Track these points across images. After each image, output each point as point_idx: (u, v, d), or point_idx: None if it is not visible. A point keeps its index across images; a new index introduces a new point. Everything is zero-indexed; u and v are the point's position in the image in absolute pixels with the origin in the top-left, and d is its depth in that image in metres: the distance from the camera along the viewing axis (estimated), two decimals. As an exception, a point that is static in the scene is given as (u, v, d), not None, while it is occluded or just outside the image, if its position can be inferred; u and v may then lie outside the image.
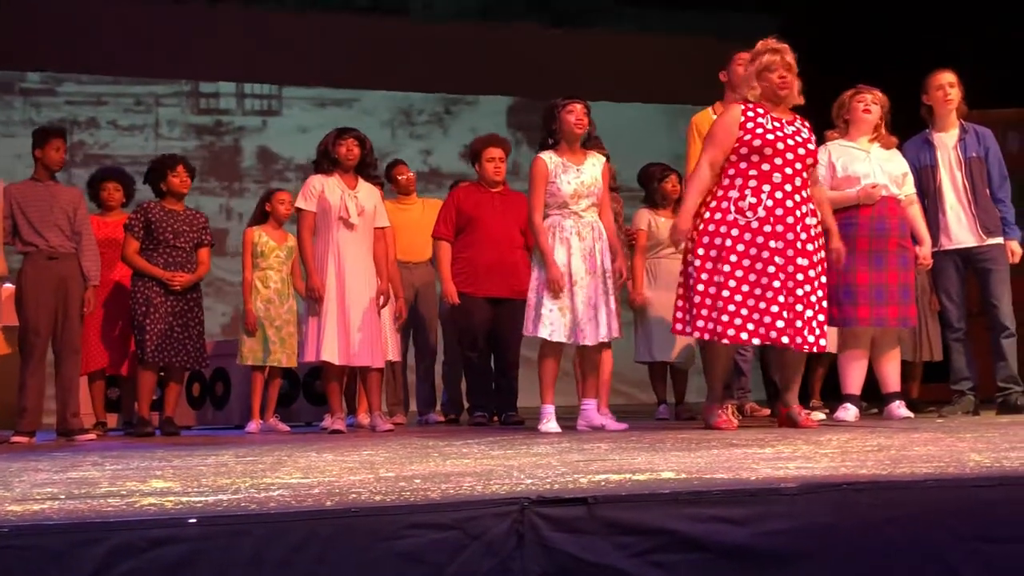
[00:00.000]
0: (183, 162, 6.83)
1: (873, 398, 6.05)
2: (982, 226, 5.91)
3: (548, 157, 5.54)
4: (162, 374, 6.74)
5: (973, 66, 6.51)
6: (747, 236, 4.96)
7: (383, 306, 6.35)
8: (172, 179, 6.71)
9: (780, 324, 4.91)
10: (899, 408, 5.62)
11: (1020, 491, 2.39)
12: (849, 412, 5.53)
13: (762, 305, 4.92)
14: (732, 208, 5.00)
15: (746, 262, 4.94)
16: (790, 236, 4.96)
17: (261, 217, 7.07)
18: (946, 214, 5.93)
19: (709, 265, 5.00)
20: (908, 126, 6.01)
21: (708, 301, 4.99)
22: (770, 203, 4.97)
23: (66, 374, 6.24)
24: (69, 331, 6.22)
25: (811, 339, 4.98)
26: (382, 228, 6.40)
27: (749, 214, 4.98)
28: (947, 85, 5.96)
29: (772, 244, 4.95)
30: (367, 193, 6.37)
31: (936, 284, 6.13)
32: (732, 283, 4.94)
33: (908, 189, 5.75)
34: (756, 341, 4.99)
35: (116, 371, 6.98)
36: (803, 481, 2.40)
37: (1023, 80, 8.81)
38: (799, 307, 4.95)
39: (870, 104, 5.69)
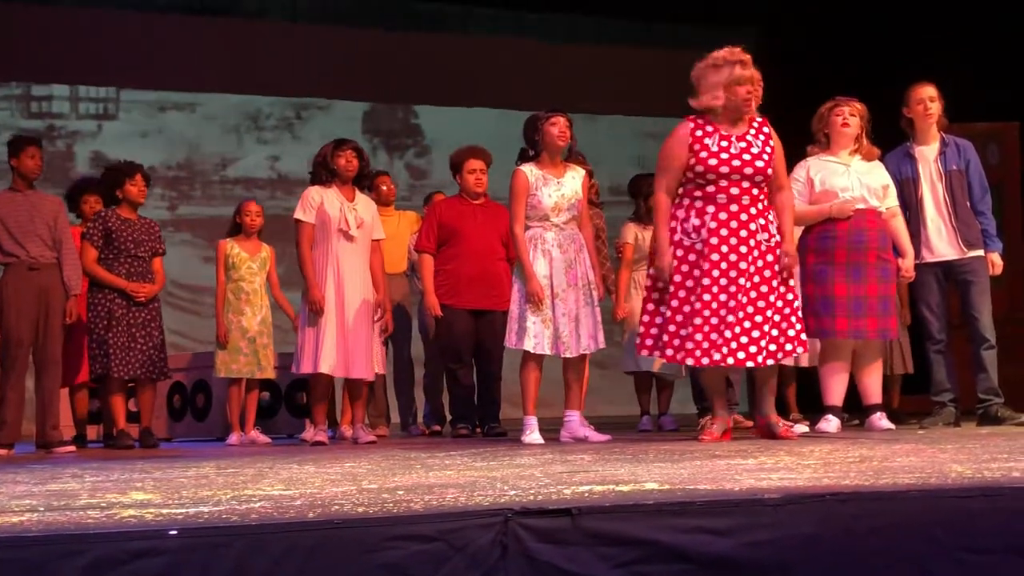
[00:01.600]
0: (141, 170, 6.70)
1: (855, 410, 6.07)
2: (963, 239, 5.92)
3: (529, 170, 5.54)
4: (131, 385, 6.67)
5: (955, 80, 6.54)
6: (691, 257, 4.99)
7: (380, 318, 6.34)
8: (130, 188, 6.59)
9: (706, 345, 4.92)
10: (880, 420, 5.62)
11: (1001, 501, 2.40)
12: (831, 423, 5.52)
13: (703, 326, 4.94)
14: (679, 229, 5.05)
15: (689, 283, 4.98)
16: (733, 257, 4.94)
17: (234, 228, 7.02)
18: (927, 227, 5.94)
19: (659, 285, 5.07)
20: (888, 138, 6.02)
21: (658, 320, 5.07)
22: (713, 225, 4.98)
23: (46, 386, 6.19)
24: (50, 342, 6.18)
25: (752, 350, 4.93)
26: (378, 240, 6.40)
27: (693, 236, 5.00)
28: (927, 99, 5.97)
29: (713, 267, 4.93)
30: (365, 205, 6.37)
31: (917, 296, 6.12)
32: (674, 303, 4.99)
33: (890, 201, 5.74)
34: (689, 361, 5.00)
35: (80, 381, 6.86)
36: (786, 492, 2.40)
37: (1003, 94, 8.88)
38: (747, 324, 4.91)
39: (848, 117, 5.66)
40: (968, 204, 5.97)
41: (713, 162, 4.99)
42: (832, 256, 5.53)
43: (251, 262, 6.91)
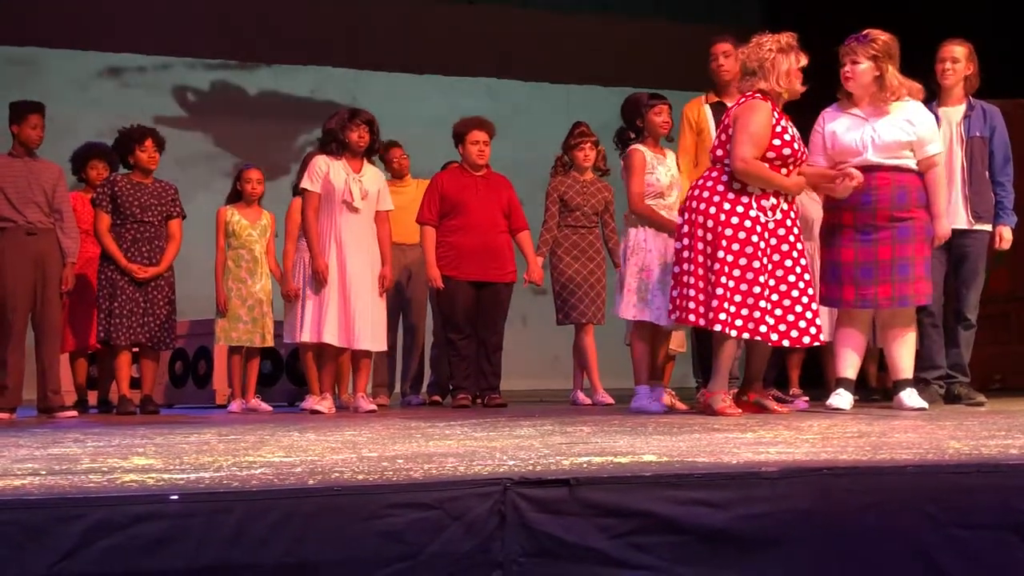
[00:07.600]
0: (152, 135, 6.60)
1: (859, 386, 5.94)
2: (973, 210, 5.76)
3: (644, 149, 5.70)
4: (135, 350, 6.68)
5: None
6: (769, 236, 5.03)
7: (386, 289, 6.32)
8: (140, 154, 6.53)
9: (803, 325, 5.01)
10: (910, 397, 5.08)
11: (997, 478, 2.41)
12: (842, 398, 5.11)
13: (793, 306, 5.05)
14: (754, 205, 5.04)
15: (757, 263, 4.96)
16: (791, 238, 5.05)
17: (234, 195, 6.98)
18: None
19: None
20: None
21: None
22: (785, 206, 5.05)
23: (46, 351, 6.21)
24: (48, 308, 6.18)
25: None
26: (386, 211, 6.38)
27: (771, 214, 5.03)
28: (950, 59, 5.77)
29: (783, 241, 5.03)
30: (372, 177, 6.34)
31: None
32: (761, 279, 5.01)
33: (932, 149, 5.15)
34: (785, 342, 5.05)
35: (84, 346, 6.89)
36: (784, 466, 2.41)
37: (999, 73, 8.80)
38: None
39: (850, 68, 5.13)
40: (986, 174, 5.77)
41: (790, 150, 4.98)
42: (839, 218, 5.17)
43: (252, 229, 6.88)
